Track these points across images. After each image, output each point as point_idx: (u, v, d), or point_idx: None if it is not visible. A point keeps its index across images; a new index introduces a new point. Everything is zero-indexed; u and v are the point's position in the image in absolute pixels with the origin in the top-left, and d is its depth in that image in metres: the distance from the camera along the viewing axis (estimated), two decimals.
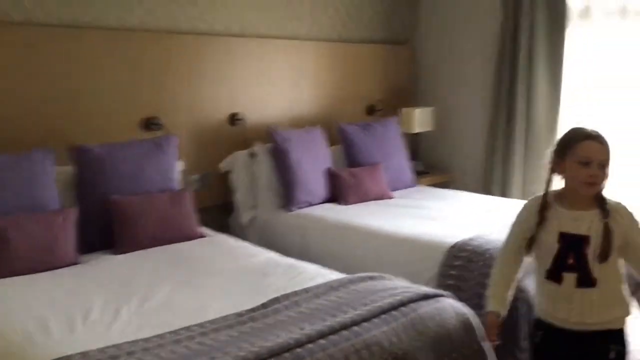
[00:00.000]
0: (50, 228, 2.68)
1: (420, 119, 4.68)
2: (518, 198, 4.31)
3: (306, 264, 2.73)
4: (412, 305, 2.17)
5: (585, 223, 1.86)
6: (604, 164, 1.84)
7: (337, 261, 3.09)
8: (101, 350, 1.83)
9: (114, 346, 1.87)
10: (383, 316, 2.07)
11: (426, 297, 2.25)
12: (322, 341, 1.90)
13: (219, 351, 1.81)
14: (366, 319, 2.03)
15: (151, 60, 3.51)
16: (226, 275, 2.57)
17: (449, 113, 4.88)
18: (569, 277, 1.88)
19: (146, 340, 1.91)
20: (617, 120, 4.07)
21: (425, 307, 2.18)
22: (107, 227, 2.93)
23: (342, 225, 3.41)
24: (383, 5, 4.81)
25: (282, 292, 2.28)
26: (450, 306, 2.26)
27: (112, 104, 3.38)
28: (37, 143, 2.99)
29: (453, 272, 2.80)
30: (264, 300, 2.21)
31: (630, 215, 1.90)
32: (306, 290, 2.29)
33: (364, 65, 4.66)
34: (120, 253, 2.87)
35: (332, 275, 2.53)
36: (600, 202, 1.88)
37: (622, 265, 1.92)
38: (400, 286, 2.33)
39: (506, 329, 2.55)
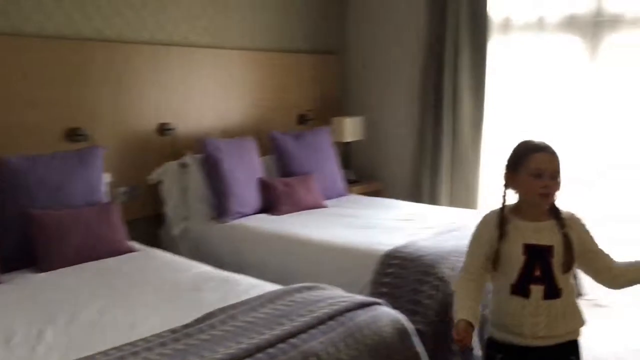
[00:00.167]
0: None
1: (350, 128, 4.74)
2: (446, 205, 4.43)
3: (241, 276, 2.69)
4: (349, 314, 2.18)
5: (546, 233, 1.89)
6: (555, 174, 1.88)
7: (273, 272, 3.07)
8: None
9: None
10: (320, 327, 2.07)
11: (362, 305, 2.26)
12: (259, 355, 1.87)
13: None
14: (304, 330, 2.03)
15: (75, 69, 3.38)
16: (158, 291, 2.49)
17: (379, 122, 4.96)
18: (536, 290, 1.87)
19: None
20: (538, 130, 4.26)
21: (362, 316, 2.19)
22: (29, 243, 2.79)
23: (276, 235, 3.39)
24: (312, 15, 4.84)
25: (217, 306, 2.23)
26: (385, 314, 2.29)
27: (33, 114, 3.22)
28: None
29: (386, 280, 2.83)
30: (198, 315, 2.16)
31: (582, 223, 1.96)
32: (242, 304, 2.26)
33: (295, 75, 4.67)
34: (44, 271, 2.73)
35: (268, 286, 2.51)
36: (555, 213, 1.92)
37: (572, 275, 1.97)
38: (337, 296, 2.34)
39: (437, 334, 2.62)
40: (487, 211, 2.02)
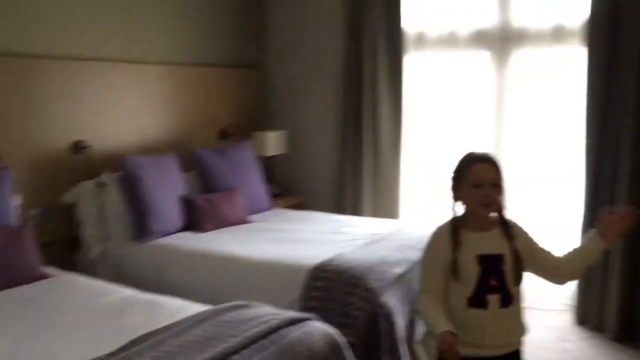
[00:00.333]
0: None
1: (272, 142, 4.72)
2: (370, 216, 4.50)
3: (166, 298, 2.60)
4: (281, 331, 2.15)
5: (496, 242, 1.94)
6: (495, 183, 1.93)
7: (200, 292, 2.98)
8: None
9: None
10: (253, 346, 2.03)
11: (293, 322, 2.24)
12: None
13: None
14: (236, 350, 1.98)
15: None
16: (78, 319, 2.36)
17: (301, 136, 4.98)
18: (493, 299, 1.91)
19: None
20: (453, 142, 4.44)
21: (294, 332, 2.17)
22: None
23: (201, 254, 3.31)
24: (232, 29, 4.81)
25: (143, 332, 2.14)
26: (317, 329, 2.28)
27: None
28: None
29: (316, 294, 2.82)
30: (123, 342, 2.06)
31: (523, 229, 2.03)
32: (169, 327, 2.18)
33: (215, 89, 4.61)
34: None
35: (196, 308, 2.43)
36: (502, 222, 1.98)
37: None
38: (267, 313, 2.30)
39: (367, 345, 2.64)
40: (436, 227, 2.04)
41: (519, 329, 1.97)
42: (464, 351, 1.90)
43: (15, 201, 3.10)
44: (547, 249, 2.03)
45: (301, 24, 4.94)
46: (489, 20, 4.22)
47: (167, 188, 3.70)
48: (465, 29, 4.31)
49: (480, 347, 1.93)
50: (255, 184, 4.27)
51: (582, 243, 2.02)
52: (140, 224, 3.55)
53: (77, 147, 3.65)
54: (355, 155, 4.62)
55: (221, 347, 1.99)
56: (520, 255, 1.92)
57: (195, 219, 3.73)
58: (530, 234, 2.02)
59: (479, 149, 2.08)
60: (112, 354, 1.98)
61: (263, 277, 3.03)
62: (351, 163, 4.64)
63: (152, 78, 4.11)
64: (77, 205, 3.55)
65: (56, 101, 3.54)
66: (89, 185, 3.58)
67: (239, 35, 4.88)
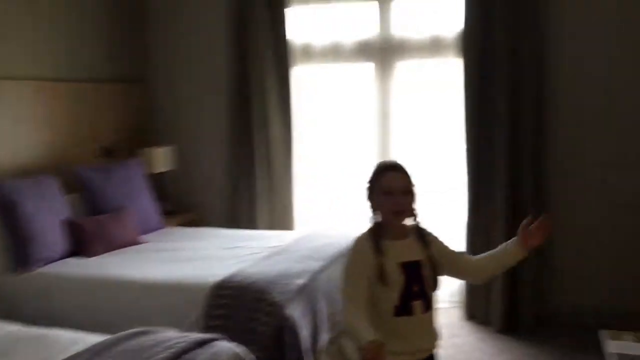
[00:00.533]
0: None
1: (161, 158, 4.57)
2: (265, 228, 4.48)
3: (58, 331, 2.43)
4: (188, 355, 2.08)
5: (413, 249, 1.98)
6: (406, 191, 1.97)
7: (94, 321, 2.81)
8: None
9: None
10: None
11: (200, 344, 2.18)
12: None
13: None
14: None
15: None
16: None
17: (191, 150, 4.86)
18: (417, 305, 1.94)
19: None
20: (342, 152, 4.56)
21: (201, 355, 2.11)
22: None
23: (91, 280, 3.12)
24: (110, 43, 4.59)
25: None
26: (225, 348, 2.24)
27: None
28: None
29: (219, 312, 2.76)
30: None
31: (436, 237, 2.07)
32: None
33: (96, 105, 4.38)
34: None
35: (92, 338, 2.29)
36: (417, 229, 2.02)
37: None
38: (172, 337, 2.22)
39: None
40: (356, 237, 2.04)
41: (435, 334, 2.04)
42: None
43: None
44: (460, 252, 2.12)
45: (186, 37, 4.83)
46: (371, 31, 4.38)
47: (49, 212, 3.45)
48: (349, 40, 4.43)
49: (409, 353, 1.97)
50: (145, 203, 4.11)
51: (501, 249, 2.09)
52: (20, 252, 3.28)
53: None
54: (248, 169, 4.58)
55: None
56: (435, 261, 1.98)
57: (82, 243, 3.51)
58: (442, 239, 2.09)
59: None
60: None
61: (160, 300, 2.91)
62: (244, 176, 4.60)
63: (23, 96, 3.82)
64: None
65: None
66: None
67: (119, 48, 4.68)
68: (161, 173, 4.64)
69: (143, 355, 2.04)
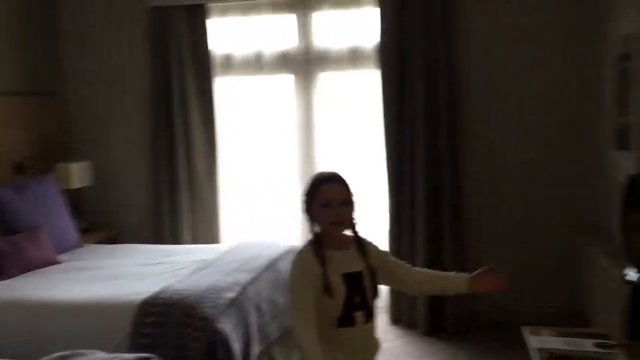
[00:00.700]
0: None
1: (78, 174, 4.39)
2: (190, 243, 4.40)
3: None
4: None
5: (354, 259, 1.97)
6: (345, 201, 1.95)
7: (12, 347, 2.65)
8: None
9: None
10: None
11: None
12: None
13: None
14: None
15: None
16: None
17: (110, 165, 4.70)
18: (359, 316, 1.94)
19: None
20: (266, 163, 4.57)
21: None
22: None
23: (8, 303, 2.94)
24: (20, 55, 4.37)
25: None
26: None
27: None
28: None
29: (148, 330, 2.68)
30: None
31: (376, 246, 2.09)
32: None
33: (7, 120, 4.15)
34: None
35: None
36: (357, 240, 2.02)
37: None
38: (101, 359, 2.13)
39: None
40: (298, 251, 2.02)
41: (377, 343, 2.06)
42: None
43: None
44: (400, 262, 2.14)
45: (103, 50, 4.68)
46: (292, 43, 4.42)
47: None
48: (270, 51, 4.45)
49: None
50: (61, 220, 3.93)
51: (447, 275, 2.11)
52: None
53: None
54: (171, 182, 4.50)
55: None
56: (374, 271, 1.99)
57: None
58: (382, 249, 2.11)
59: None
60: None
61: (85, 320, 2.79)
62: (167, 190, 4.50)
63: None
64: None
65: None
66: None
67: (30, 61, 4.46)
68: (77, 189, 4.45)
69: None
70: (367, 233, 2.08)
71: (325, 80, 4.42)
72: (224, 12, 4.47)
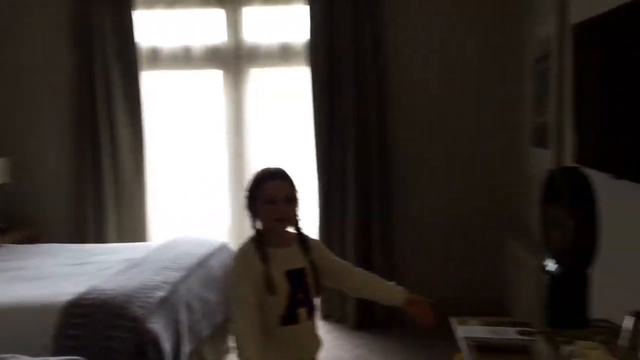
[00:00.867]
0: None
1: None
2: (115, 241, 4.28)
3: None
4: None
5: (296, 256, 1.95)
6: (289, 198, 1.93)
7: None
8: None
9: None
10: None
11: None
12: None
13: None
14: None
15: None
16: None
17: (29, 162, 4.48)
18: (302, 312, 1.92)
19: None
20: (196, 159, 4.50)
21: None
22: None
23: None
24: None
25: None
26: None
27: None
28: None
29: (73, 332, 2.59)
30: None
31: (319, 243, 2.08)
32: None
33: None
34: None
35: None
36: (300, 237, 2.00)
37: None
38: None
39: None
40: (238, 247, 1.99)
41: (319, 340, 2.06)
42: None
43: None
44: (343, 262, 2.15)
45: (23, 42, 4.44)
46: (221, 38, 4.36)
47: None
48: (199, 46, 4.37)
49: None
50: None
51: (386, 284, 2.12)
52: None
53: None
54: (95, 179, 4.35)
55: None
56: (317, 267, 1.98)
57: None
58: (325, 248, 2.11)
59: (272, 165, 2.01)
60: None
61: (6, 324, 2.65)
62: (91, 189, 4.35)
63: None
64: None
65: None
66: None
67: None
68: None
69: None
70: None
71: (256, 76, 4.40)
72: (150, 4, 4.36)
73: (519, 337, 2.07)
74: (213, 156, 4.49)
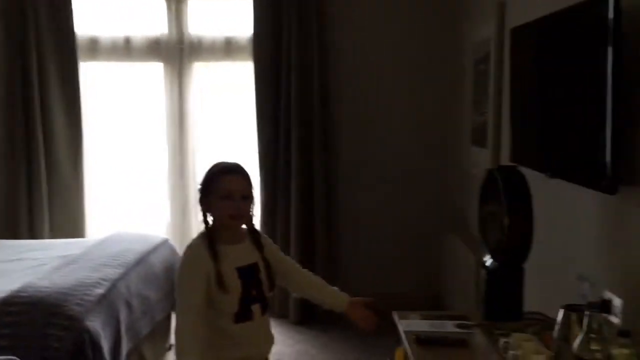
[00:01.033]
0: None
1: None
2: (49, 238, 4.13)
3: None
4: None
5: (249, 253, 1.92)
6: (245, 194, 1.89)
7: None
8: None
9: None
10: None
11: None
12: None
13: None
14: None
15: None
16: None
17: None
18: (256, 308, 1.89)
19: None
20: (134, 152, 4.41)
21: None
22: None
23: None
24: None
25: None
26: None
27: None
28: None
29: (6, 331, 2.49)
30: None
31: (269, 239, 2.06)
32: None
33: None
34: None
35: None
36: (252, 233, 1.97)
37: None
38: None
39: None
40: (189, 243, 1.94)
41: (272, 337, 2.04)
42: None
43: None
44: (291, 260, 2.15)
45: None
46: (163, 30, 4.27)
47: None
48: (139, 37, 4.27)
49: (250, 359, 1.95)
50: None
51: (331, 289, 2.13)
52: None
53: None
54: (27, 172, 4.18)
55: None
56: (271, 266, 1.96)
57: None
58: (273, 244, 2.09)
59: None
60: None
61: None
62: (24, 185, 4.18)
63: None
64: None
65: None
66: None
67: None
68: None
69: None
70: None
71: (200, 70, 4.34)
72: None
73: (457, 330, 2.13)
74: (153, 150, 4.40)
